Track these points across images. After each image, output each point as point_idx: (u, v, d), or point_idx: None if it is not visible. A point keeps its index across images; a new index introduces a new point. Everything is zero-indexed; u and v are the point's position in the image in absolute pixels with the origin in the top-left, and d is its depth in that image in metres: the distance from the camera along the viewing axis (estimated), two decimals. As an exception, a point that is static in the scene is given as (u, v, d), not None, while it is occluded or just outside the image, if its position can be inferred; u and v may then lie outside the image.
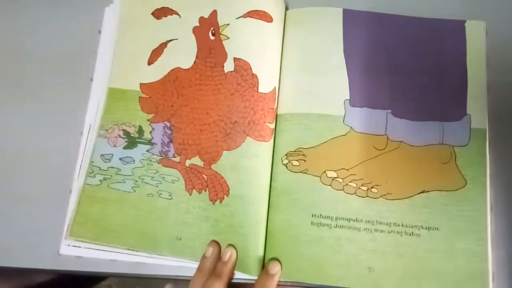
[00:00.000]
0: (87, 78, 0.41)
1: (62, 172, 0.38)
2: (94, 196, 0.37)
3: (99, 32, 0.42)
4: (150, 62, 0.40)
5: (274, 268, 0.33)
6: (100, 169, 0.38)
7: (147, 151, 0.38)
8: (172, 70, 0.40)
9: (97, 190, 0.37)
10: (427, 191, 0.36)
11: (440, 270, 0.34)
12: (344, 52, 0.39)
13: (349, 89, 0.38)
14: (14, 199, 0.38)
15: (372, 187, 0.36)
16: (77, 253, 0.36)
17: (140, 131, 0.39)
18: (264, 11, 0.39)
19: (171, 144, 0.38)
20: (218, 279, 0.32)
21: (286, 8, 0.41)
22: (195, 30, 0.40)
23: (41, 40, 0.42)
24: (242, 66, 0.38)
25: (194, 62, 0.40)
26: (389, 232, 0.35)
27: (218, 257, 0.34)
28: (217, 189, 0.36)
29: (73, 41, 0.42)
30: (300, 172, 0.36)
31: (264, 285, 0.33)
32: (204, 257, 0.34)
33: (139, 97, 0.39)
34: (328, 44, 0.39)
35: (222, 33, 0.40)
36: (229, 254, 0.34)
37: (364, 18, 0.40)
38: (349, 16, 0.40)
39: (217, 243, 0.35)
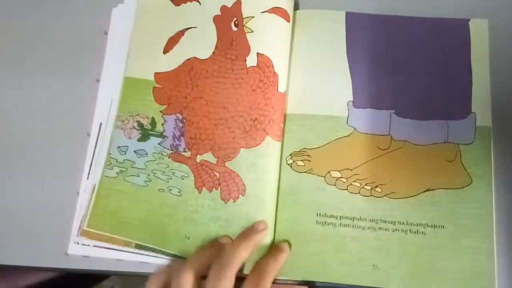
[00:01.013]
0: (93, 80, 0.40)
1: (69, 174, 0.38)
2: (111, 188, 0.37)
3: (105, 33, 0.41)
4: (165, 51, 0.39)
5: (284, 246, 0.34)
6: (117, 161, 0.37)
7: (158, 144, 0.37)
8: (187, 59, 0.38)
9: (114, 182, 0.37)
10: (432, 190, 0.36)
11: (446, 267, 0.34)
12: (347, 54, 0.39)
13: (352, 90, 0.39)
14: (19, 201, 0.38)
15: (376, 187, 0.36)
16: (84, 253, 0.36)
17: (153, 123, 0.38)
18: (285, 10, 0.39)
19: (182, 138, 0.37)
20: (245, 241, 0.32)
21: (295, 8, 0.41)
22: (216, 19, 0.39)
23: (43, 44, 0.42)
24: (265, 62, 0.37)
25: (213, 52, 0.38)
26: (394, 231, 0.35)
27: None
28: (231, 188, 0.36)
29: (78, 44, 0.42)
30: (305, 172, 0.37)
31: (267, 264, 0.33)
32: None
33: (153, 87, 0.38)
34: (331, 46, 0.40)
35: (246, 25, 0.38)
36: (263, 226, 0.34)
37: (367, 20, 0.40)
38: (351, 19, 0.40)
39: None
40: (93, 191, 0.37)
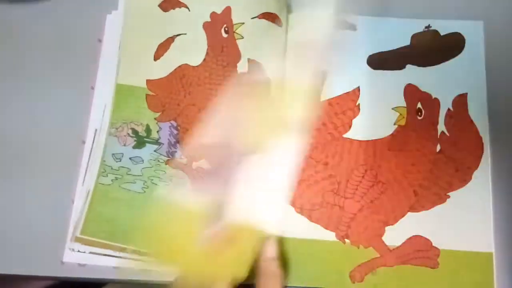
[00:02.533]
0: (88, 87, 0.40)
1: (64, 182, 0.38)
2: (106, 196, 0.36)
3: (99, 40, 0.41)
4: (156, 57, 0.39)
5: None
6: (111, 168, 0.37)
7: (155, 151, 0.37)
8: (179, 66, 0.38)
9: (109, 190, 0.36)
10: None
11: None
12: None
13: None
14: (15, 208, 0.38)
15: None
16: (80, 261, 0.35)
17: (148, 130, 0.38)
18: (277, 15, 0.39)
19: (177, 145, 0.37)
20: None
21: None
22: (206, 25, 0.39)
23: (38, 51, 0.41)
24: None
25: (204, 59, 0.38)
26: None
27: None
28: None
29: (73, 51, 0.41)
30: None
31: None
32: None
33: (146, 94, 0.38)
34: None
35: (236, 31, 0.38)
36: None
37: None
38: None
39: None
40: (86, 197, 0.37)
